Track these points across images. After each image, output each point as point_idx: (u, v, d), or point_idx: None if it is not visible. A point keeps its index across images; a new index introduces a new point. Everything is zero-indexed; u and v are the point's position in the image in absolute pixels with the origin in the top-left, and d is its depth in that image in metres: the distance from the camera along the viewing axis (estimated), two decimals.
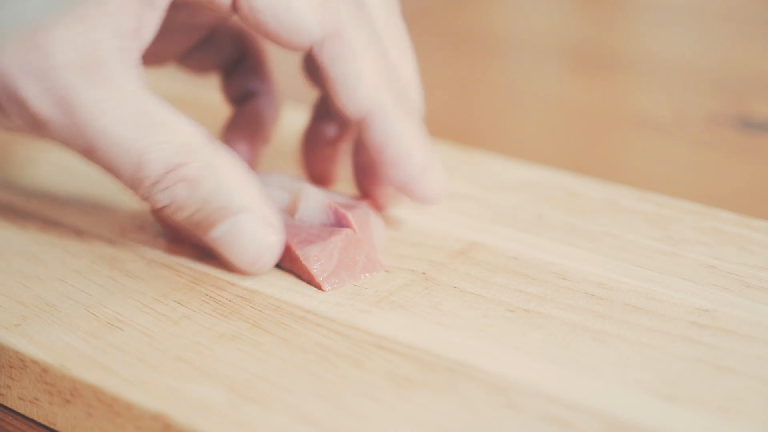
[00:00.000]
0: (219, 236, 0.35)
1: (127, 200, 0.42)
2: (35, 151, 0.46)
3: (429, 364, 0.31)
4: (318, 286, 0.35)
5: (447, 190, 0.39)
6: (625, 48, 0.80)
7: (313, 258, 0.35)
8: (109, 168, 0.34)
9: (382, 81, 0.37)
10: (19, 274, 0.36)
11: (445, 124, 0.62)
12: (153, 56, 0.41)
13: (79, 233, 0.40)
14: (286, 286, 0.36)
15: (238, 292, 0.35)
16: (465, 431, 0.28)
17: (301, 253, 0.35)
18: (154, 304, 0.34)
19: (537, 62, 0.74)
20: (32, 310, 0.34)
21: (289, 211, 0.38)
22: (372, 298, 0.35)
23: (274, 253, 0.35)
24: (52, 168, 0.40)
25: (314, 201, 0.37)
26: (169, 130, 0.34)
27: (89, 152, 0.34)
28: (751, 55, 0.75)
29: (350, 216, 0.36)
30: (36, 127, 0.34)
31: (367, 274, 0.36)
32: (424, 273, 0.36)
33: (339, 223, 0.37)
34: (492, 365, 0.31)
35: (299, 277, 0.36)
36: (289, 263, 0.36)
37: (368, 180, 0.40)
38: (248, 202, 0.35)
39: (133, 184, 0.34)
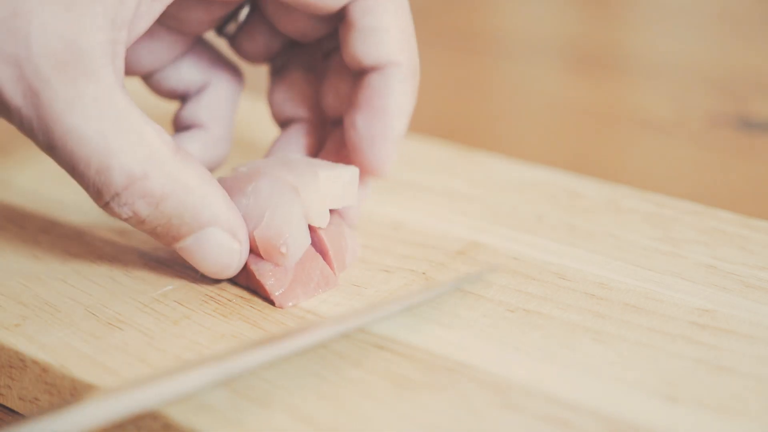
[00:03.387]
0: (184, 247, 0.34)
1: None
2: (35, 151, 0.46)
3: (429, 364, 0.31)
4: (272, 303, 0.35)
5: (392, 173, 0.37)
6: (625, 48, 0.80)
7: (267, 274, 0.34)
8: (72, 169, 0.32)
9: (404, 42, 0.37)
10: (19, 274, 0.36)
11: (446, 124, 0.62)
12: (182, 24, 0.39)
13: (79, 233, 0.40)
14: None
15: (238, 292, 0.35)
16: (465, 431, 0.28)
17: (255, 268, 0.35)
18: (154, 304, 0.34)
19: (537, 62, 0.74)
20: (32, 310, 0.34)
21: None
22: (372, 299, 0.35)
23: (241, 260, 0.35)
24: (52, 168, 0.40)
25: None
26: (135, 138, 0.32)
27: (52, 148, 0.32)
28: (751, 55, 0.75)
29: (323, 235, 0.36)
30: (3, 111, 0.32)
31: (321, 290, 0.35)
32: (424, 273, 0.36)
33: (311, 240, 0.36)
34: (492, 365, 0.31)
35: (255, 292, 0.35)
36: (245, 280, 0.35)
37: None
38: (215, 217, 0.34)
39: (94, 190, 0.33)
